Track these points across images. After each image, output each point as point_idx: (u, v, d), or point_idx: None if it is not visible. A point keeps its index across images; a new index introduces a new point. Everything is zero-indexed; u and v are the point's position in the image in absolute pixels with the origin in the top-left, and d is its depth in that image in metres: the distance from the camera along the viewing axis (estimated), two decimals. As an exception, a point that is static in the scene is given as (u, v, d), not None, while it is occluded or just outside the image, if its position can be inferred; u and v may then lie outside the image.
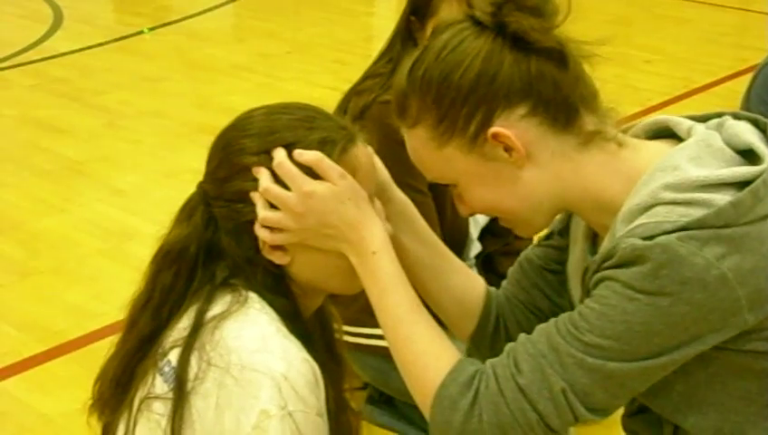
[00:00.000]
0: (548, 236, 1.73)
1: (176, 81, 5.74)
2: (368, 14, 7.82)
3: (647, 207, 1.37)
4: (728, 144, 1.44)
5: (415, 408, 2.79)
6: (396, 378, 2.78)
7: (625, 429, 1.59)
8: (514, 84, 1.42)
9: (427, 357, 1.49)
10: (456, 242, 2.68)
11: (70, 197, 4.26)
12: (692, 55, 6.27)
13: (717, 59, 6.18)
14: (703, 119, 1.52)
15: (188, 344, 1.49)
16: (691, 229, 1.32)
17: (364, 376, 2.85)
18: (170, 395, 1.49)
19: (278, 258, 1.53)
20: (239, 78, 5.73)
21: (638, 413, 1.54)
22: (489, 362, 1.43)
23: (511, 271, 1.80)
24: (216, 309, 1.50)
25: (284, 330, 1.50)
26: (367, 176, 1.55)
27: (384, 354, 2.64)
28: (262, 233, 1.50)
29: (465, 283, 1.76)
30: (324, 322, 1.65)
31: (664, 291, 1.32)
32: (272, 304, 1.52)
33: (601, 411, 1.40)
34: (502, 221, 1.57)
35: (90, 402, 1.64)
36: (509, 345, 1.44)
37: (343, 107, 2.58)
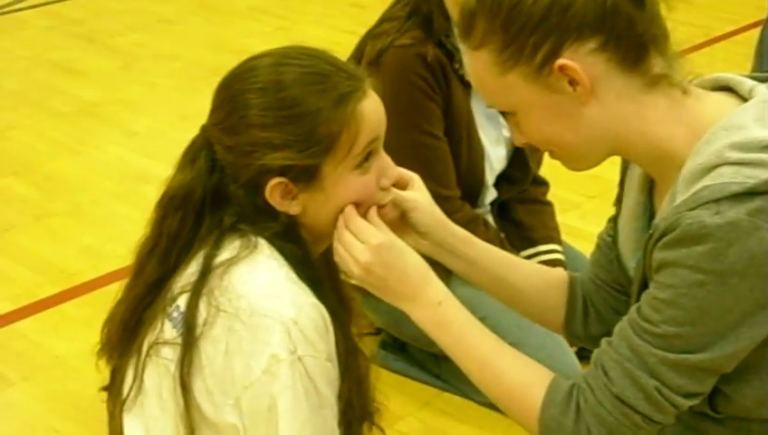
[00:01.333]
0: (617, 212, 1.71)
1: (192, 23, 5.71)
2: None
3: (711, 167, 1.34)
4: None
5: (428, 353, 2.84)
6: (409, 324, 2.77)
7: None
8: (588, 17, 1.39)
9: (520, 387, 1.51)
10: (471, 188, 2.66)
11: (85, 139, 4.25)
12: (713, 3, 6.19)
13: (738, 7, 6.10)
14: (764, 79, 1.48)
15: (197, 289, 1.49)
16: (759, 194, 1.29)
17: (377, 321, 2.85)
18: (179, 340, 1.50)
19: (288, 208, 1.52)
20: (256, 20, 5.69)
21: None
22: (582, 375, 1.45)
23: (590, 253, 1.80)
24: (225, 254, 1.50)
25: (294, 275, 1.50)
26: (375, 125, 1.53)
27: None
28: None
29: (543, 277, 1.79)
30: (331, 264, 1.63)
31: (734, 268, 1.30)
32: (281, 250, 1.51)
33: (699, 395, 1.41)
34: (552, 154, 1.55)
35: (98, 346, 1.64)
36: (595, 353, 1.46)
37: (360, 51, 2.55)
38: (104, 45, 5.30)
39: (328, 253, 1.63)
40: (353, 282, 1.62)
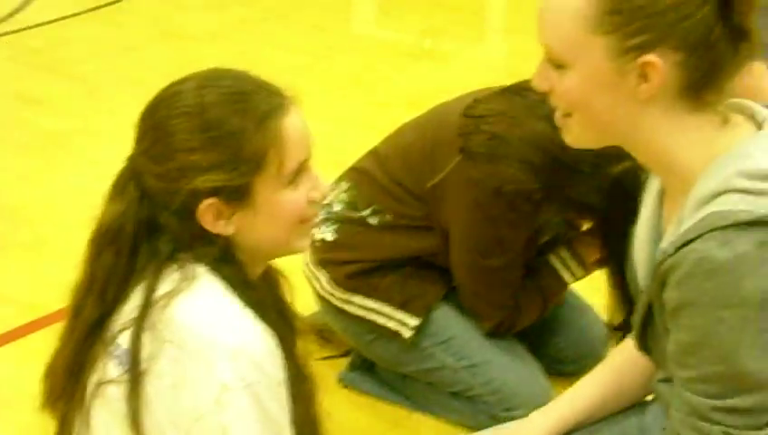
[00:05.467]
0: None
1: (153, 49, 5.68)
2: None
3: (718, 193, 1.37)
4: None
5: (396, 374, 2.84)
6: (378, 345, 2.80)
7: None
8: (692, 35, 1.40)
9: None
10: None
11: (48, 169, 4.21)
12: None
13: None
14: None
15: (139, 324, 1.47)
16: (766, 224, 1.31)
17: (347, 340, 2.84)
18: (125, 377, 1.48)
19: (222, 229, 1.51)
20: (216, 46, 5.67)
21: None
22: None
23: None
24: (165, 286, 1.49)
25: (237, 301, 1.49)
26: (298, 144, 1.52)
27: (371, 326, 2.66)
28: None
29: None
30: (273, 286, 1.64)
31: (750, 302, 1.32)
32: (222, 276, 1.50)
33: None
34: (565, 116, 1.54)
35: (42, 399, 1.62)
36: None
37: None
38: (65, 74, 5.27)
39: (267, 275, 1.63)
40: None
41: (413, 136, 2.64)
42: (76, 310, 1.57)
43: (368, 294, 2.66)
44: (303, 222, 1.57)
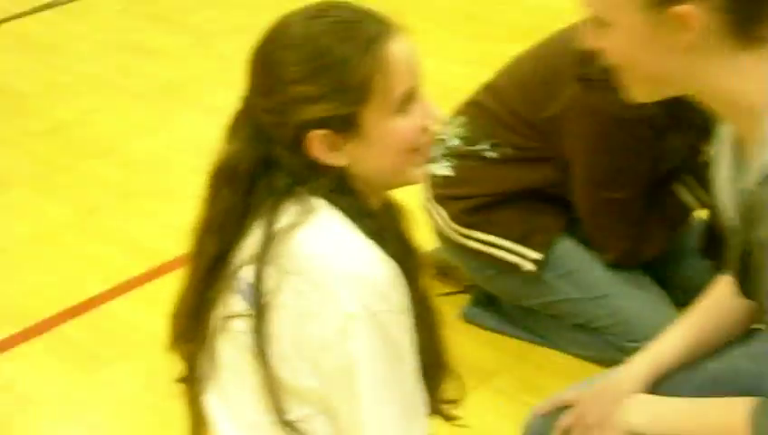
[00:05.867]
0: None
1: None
2: None
3: None
4: None
5: (520, 308, 2.82)
6: (500, 279, 2.78)
7: None
8: None
9: (725, 427, 1.57)
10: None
11: (164, 117, 4.28)
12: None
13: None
14: None
15: (261, 258, 1.48)
16: None
17: (468, 275, 2.83)
18: (250, 311, 1.49)
19: (335, 160, 1.50)
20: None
21: None
22: None
23: None
24: (285, 220, 1.49)
25: (357, 231, 1.48)
26: (405, 70, 1.50)
27: (493, 260, 2.64)
28: None
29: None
30: (394, 216, 1.63)
31: None
32: (340, 207, 1.50)
33: None
34: (620, 76, 1.52)
35: (170, 340, 1.64)
36: None
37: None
38: (176, 23, 5.32)
39: (387, 207, 1.62)
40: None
41: (530, 66, 2.60)
42: (197, 250, 1.59)
43: (487, 230, 2.64)
44: (416, 151, 1.54)
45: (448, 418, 1.68)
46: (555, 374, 2.65)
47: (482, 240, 2.65)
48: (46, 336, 2.97)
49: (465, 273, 2.84)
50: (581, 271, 2.62)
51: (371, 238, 1.49)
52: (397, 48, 1.49)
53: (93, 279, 3.20)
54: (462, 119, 2.70)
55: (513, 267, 2.62)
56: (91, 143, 4.09)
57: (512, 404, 2.53)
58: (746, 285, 1.55)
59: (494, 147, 2.61)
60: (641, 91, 1.51)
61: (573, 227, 2.64)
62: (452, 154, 2.69)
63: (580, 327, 2.65)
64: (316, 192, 1.50)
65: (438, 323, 1.66)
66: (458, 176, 2.68)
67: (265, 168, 1.52)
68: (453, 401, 1.68)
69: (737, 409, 1.52)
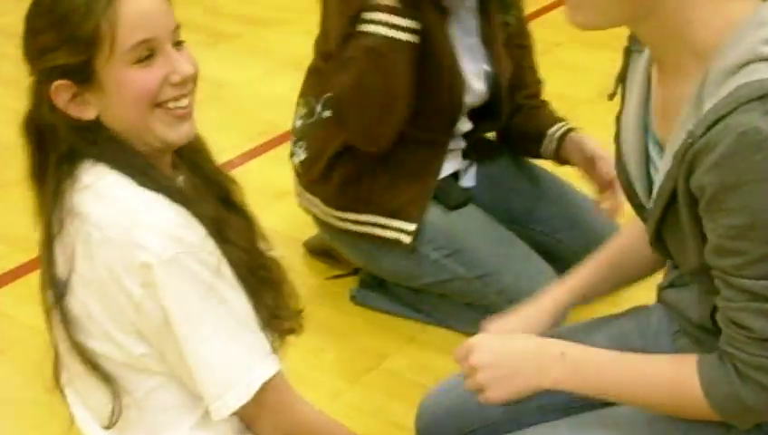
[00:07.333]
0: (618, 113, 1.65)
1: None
2: None
3: (743, 64, 1.28)
4: None
5: (407, 289, 2.81)
6: (386, 261, 2.77)
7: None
8: None
9: (675, 384, 1.47)
10: (450, 114, 2.61)
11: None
12: None
13: None
14: None
15: (51, 234, 1.53)
16: None
17: (355, 260, 2.82)
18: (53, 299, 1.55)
19: (81, 112, 1.53)
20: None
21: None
22: (719, 343, 1.42)
23: None
24: (67, 185, 1.53)
25: (142, 188, 1.51)
26: (135, 22, 1.51)
27: (373, 240, 2.62)
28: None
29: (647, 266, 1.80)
30: (213, 180, 1.68)
31: None
32: (120, 167, 1.53)
33: None
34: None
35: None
36: (719, 316, 1.42)
37: None
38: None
39: (192, 152, 1.67)
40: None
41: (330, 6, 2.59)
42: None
43: (359, 210, 2.64)
44: (159, 105, 1.55)
45: (293, 331, 1.70)
46: (445, 352, 2.62)
47: (358, 220, 2.65)
48: None
49: (351, 258, 2.82)
50: (467, 250, 2.62)
51: (162, 193, 1.51)
52: (132, 1, 1.51)
53: (-35, 273, 3.10)
54: (301, 99, 2.75)
55: (394, 243, 2.62)
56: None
57: (404, 385, 2.53)
58: (661, 236, 1.51)
59: (325, 104, 2.62)
60: (593, 14, 1.41)
61: (445, 196, 2.66)
62: (300, 135, 2.72)
63: (470, 306, 2.65)
64: (89, 152, 1.54)
65: (282, 281, 1.69)
66: (311, 153, 2.69)
67: (48, 132, 1.56)
68: (296, 314, 1.72)
69: (685, 361, 1.47)
